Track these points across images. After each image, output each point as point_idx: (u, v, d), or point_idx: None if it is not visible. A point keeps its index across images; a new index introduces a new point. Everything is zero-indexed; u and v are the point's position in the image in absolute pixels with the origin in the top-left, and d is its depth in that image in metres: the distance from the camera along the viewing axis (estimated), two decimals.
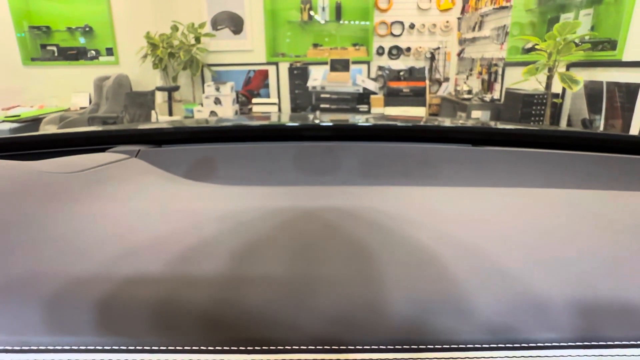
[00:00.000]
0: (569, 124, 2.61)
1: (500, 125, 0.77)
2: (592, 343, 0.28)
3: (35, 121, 3.86)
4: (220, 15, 4.29)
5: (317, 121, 0.84)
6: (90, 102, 4.35)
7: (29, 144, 0.68)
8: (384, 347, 0.27)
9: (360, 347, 0.28)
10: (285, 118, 1.15)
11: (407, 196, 0.45)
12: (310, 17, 4.33)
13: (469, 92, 3.68)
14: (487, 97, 3.35)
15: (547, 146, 0.63)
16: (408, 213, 0.40)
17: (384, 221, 0.38)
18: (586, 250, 0.33)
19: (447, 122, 0.93)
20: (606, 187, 0.52)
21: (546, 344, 0.27)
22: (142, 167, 0.57)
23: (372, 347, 0.27)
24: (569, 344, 0.28)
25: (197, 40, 4.17)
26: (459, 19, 4.22)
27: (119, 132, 0.72)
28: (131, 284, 0.29)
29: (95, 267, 0.31)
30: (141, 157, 0.61)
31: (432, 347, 0.27)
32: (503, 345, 0.27)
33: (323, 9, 4.28)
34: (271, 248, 0.33)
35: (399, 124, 0.79)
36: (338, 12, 4.31)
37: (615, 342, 0.28)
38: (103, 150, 0.64)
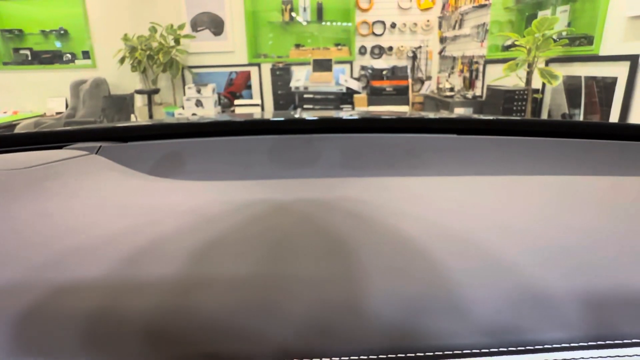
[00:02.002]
0: (549, 118, 2.65)
1: (484, 117, 0.75)
2: (608, 342, 0.24)
3: (9, 127, 3.73)
4: (200, 16, 4.23)
5: (297, 116, 0.81)
6: (67, 107, 4.24)
7: None
8: (366, 357, 0.23)
9: (338, 359, 0.23)
10: (266, 115, 1.09)
11: (391, 186, 0.42)
12: (292, 18, 4.31)
13: (451, 89, 3.71)
14: (469, 94, 3.38)
15: (531, 134, 0.62)
16: (392, 203, 0.36)
17: (366, 212, 0.34)
18: (588, 237, 0.30)
19: (429, 115, 0.91)
20: (596, 172, 0.50)
21: (555, 345, 0.24)
22: (100, 164, 0.51)
23: (352, 357, 0.23)
24: (581, 344, 0.24)
25: (177, 41, 4.11)
26: (439, 17, 4.25)
27: (82, 129, 0.66)
28: (59, 293, 0.25)
29: (17, 274, 0.26)
30: (102, 153, 0.56)
31: (422, 354, 0.23)
32: (506, 349, 0.24)
33: (304, 9, 4.27)
34: (234, 245, 0.29)
35: (381, 116, 0.76)
36: (319, 13, 4.31)
37: (633, 340, 0.24)
38: (62, 148, 0.58)
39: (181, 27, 4.08)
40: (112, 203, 0.37)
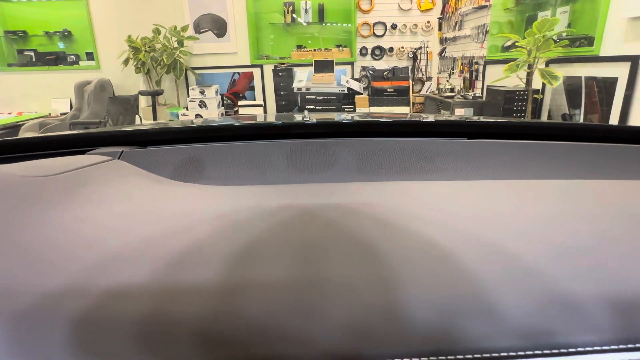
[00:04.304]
0: (549, 118, 2.68)
1: (492, 119, 0.75)
2: (637, 345, 0.24)
3: (14, 128, 3.76)
4: (203, 18, 4.26)
5: (307, 119, 0.81)
6: (71, 108, 4.27)
7: (3, 148, 0.63)
8: (408, 359, 0.24)
9: None
10: (274, 118, 1.10)
11: (410, 191, 0.43)
12: (293, 19, 4.34)
13: (452, 90, 3.75)
14: (470, 95, 3.41)
15: (541, 138, 0.62)
16: (414, 209, 0.37)
17: (392, 218, 0.35)
18: (609, 241, 0.31)
19: (438, 118, 0.92)
20: (614, 176, 0.50)
21: (587, 349, 0.24)
22: (125, 169, 0.52)
23: (395, 359, 0.24)
24: (612, 347, 0.24)
25: (180, 43, 4.14)
26: (439, 18, 4.29)
27: (102, 133, 0.67)
28: (111, 298, 0.26)
29: (69, 279, 0.27)
30: (124, 158, 0.57)
31: (462, 357, 0.24)
32: (540, 352, 0.24)
33: (306, 11, 4.30)
34: (271, 250, 0.30)
35: (392, 119, 0.76)
36: (321, 14, 4.34)
37: None
38: (84, 152, 0.60)
39: (184, 28, 4.11)
40: (143, 208, 0.38)
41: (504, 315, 0.25)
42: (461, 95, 3.49)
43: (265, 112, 4.41)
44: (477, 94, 3.44)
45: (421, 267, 0.28)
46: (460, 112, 3.26)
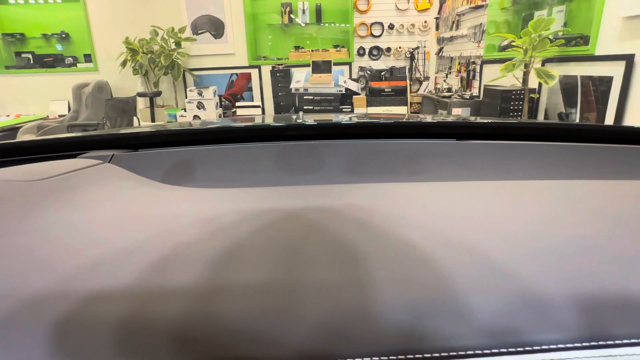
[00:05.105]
0: (546, 118, 2.69)
1: (482, 120, 0.75)
2: (600, 343, 0.25)
3: (12, 130, 3.76)
4: (201, 19, 4.27)
5: (299, 121, 0.81)
6: (69, 110, 4.28)
7: None
8: (378, 358, 0.25)
9: None
10: (268, 119, 1.06)
11: (395, 193, 0.44)
12: (291, 20, 4.35)
13: (449, 89, 3.76)
14: (467, 94, 3.42)
15: (530, 138, 0.63)
16: (396, 210, 0.38)
17: (372, 220, 0.36)
18: (585, 242, 0.32)
19: (429, 118, 0.90)
20: (595, 177, 0.50)
21: (551, 346, 0.25)
22: (115, 173, 0.53)
23: (365, 358, 0.25)
24: (575, 344, 0.25)
25: (178, 44, 4.14)
26: (436, 18, 4.30)
27: (93, 137, 0.67)
28: (92, 301, 0.27)
29: (52, 283, 0.28)
30: (115, 162, 0.58)
31: (429, 355, 0.25)
32: (505, 350, 0.25)
33: (303, 11, 4.31)
34: (251, 253, 0.31)
35: (382, 121, 0.77)
36: (318, 14, 4.34)
37: (624, 341, 0.25)
38: (76, 156, 0.60)
39: (182, 30, 4.12)
40: (131, 212, 0.39)
41: (472, 316, 0.26)
42: (458, 95, 3.50)
43: (263, 112, 4.41)
44: (474, 94, 3.44)
45: (396, 270, 0.29)
46: (457, 112, 3.26)
